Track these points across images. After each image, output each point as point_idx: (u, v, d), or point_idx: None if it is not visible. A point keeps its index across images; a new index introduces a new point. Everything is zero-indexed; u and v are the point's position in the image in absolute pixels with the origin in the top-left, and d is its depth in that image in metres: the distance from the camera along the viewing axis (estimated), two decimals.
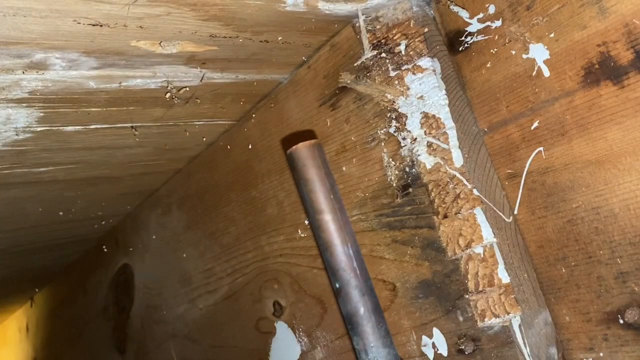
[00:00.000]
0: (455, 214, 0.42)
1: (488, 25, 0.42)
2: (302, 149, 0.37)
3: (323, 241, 0.35)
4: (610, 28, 0.35)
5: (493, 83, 0.42)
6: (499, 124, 0.43)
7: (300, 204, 0.58)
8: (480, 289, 0.40)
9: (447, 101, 0.43)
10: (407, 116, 0.45)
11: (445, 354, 0.44)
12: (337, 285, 0.34)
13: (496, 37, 0.41)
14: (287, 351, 0.63)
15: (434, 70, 0.43)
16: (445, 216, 0.43)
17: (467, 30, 0.43)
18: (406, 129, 0.45)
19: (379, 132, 0.48)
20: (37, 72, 0.43)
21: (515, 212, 0.43)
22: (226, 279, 0.72)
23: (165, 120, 0.60)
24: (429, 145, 0.43)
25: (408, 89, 0.44)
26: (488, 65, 0.42)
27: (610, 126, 0.36)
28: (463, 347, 0.42)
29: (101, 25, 0.38)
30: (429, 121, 0.43)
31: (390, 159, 0.47)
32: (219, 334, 0.75)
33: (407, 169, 0.46)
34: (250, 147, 0.65)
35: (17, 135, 0.53)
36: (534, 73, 0.40)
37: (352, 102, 0.50)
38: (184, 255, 0.81)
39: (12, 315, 1.86)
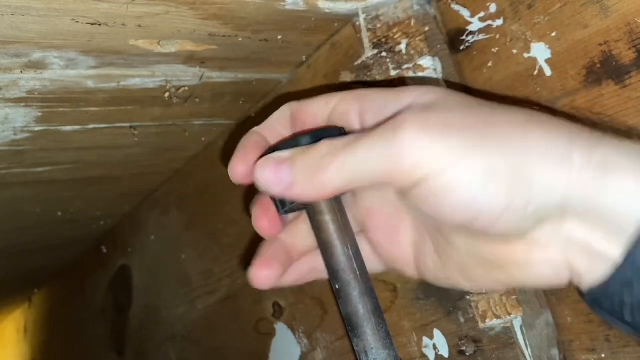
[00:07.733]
0: None
1: (489, 24, 0.42)
2: None
3: (322, 242, 0.34)
4: (612, 27, 0.35)
5: (494, 82, 0.42)
6: None
7: None
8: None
9: None
10: None
11: (446, 355, 0.44)
12: (337, 287, 0.34)
13: (497, 36, 0.41)
14: (287, 352, 0.62)
15: (435, 70, 0.42)
16: None
17: (468, 29, 0.43)
18: None
19: None
20: (35, 71, 0.43)
21: None
22: (225, 280, 0.72)
23: (164, 120, 0.60)
24: None
25: None
26: (489, 64, 0.42)
27: None
28: (464, 349, 0.42)
29: (100, 24, 0.38)
30: None
31: None
32: (218, 335, 0.75)
33: None
34: None
35: (15, 135, 0.53)
36: (536, 72, 0.39)
37: None
38: (183, 256, 0.81)
39: (10, 316, 1.85)
